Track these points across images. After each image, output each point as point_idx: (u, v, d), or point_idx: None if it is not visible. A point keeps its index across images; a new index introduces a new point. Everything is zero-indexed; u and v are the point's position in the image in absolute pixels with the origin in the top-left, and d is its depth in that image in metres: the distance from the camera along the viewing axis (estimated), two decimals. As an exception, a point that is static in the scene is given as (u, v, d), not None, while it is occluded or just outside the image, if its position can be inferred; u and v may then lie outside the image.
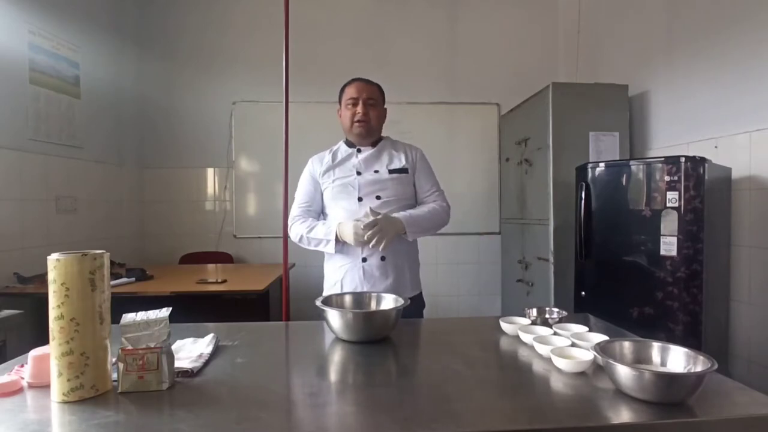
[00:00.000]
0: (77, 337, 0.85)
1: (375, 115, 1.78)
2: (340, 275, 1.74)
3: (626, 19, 3.03)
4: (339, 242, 1.68)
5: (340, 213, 1.74)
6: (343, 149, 1.84)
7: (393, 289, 1.64)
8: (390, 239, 1.61)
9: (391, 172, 1.76)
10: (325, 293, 1.76)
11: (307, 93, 3.30)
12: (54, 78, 2.66)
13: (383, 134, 1.87)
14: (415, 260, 1.84)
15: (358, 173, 1.76)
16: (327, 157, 1.83)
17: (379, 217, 1.60)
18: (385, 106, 1.85)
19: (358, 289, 1.69)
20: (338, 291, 1.71)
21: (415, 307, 1.67)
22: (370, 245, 1.59)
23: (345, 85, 1.82)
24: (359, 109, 1.74)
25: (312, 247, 1.75)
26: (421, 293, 1.84)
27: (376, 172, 1.76)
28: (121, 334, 0.90)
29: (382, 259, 1.71)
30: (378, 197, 1.73)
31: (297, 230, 1.76)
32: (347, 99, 1.77)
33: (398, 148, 1.84)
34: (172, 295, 2.19)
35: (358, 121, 1.74)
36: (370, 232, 1.57)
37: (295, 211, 1.82)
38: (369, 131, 1.78)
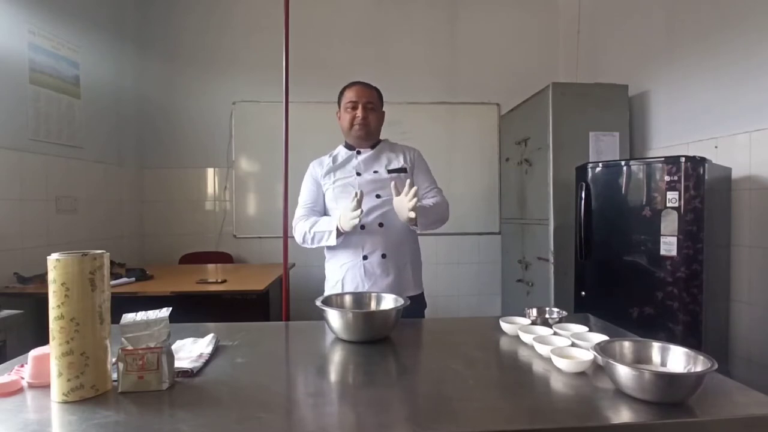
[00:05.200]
0: (77, 337, 0.85)
1: (374, 118, 1.80)
2: (342, 274, 1.75)
3: (626, 19, 3.02)
4: (341, 234, 1.67)
5: (341, 213, 1.75)
6: (342, 152, 1.86)
7: (394, 287, 1.65)
8: (405, 215, 1.58)
9: (390, 172, 1.78)
10: (327, 293, 1.76)
11: (307, 93, 3.30)
12: (54, 78, 2.66)
13: (382, 135, 1.89)
14: (417, 259, 1.85)
15: (358, 174, 1.77)
16: (327, 160, 1.85)
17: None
18: (383, 109, 1.87)
19: (360, 287, 1.70)
20: (339, 290, 1.72)
21: (416, 306, 1.67)
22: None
23: (344, 89, 1.83)
24: (359, 112, 1.76)
25: (315, 244, 1.74)
26: (422, 293, 1.84)
27: (376, 172, 1.78)
28: (121, 334, 0.90)
29: (383, 256, 1.71)
30: (378, 196, 1.74)
31: (301, 228, 1.75)
32: (347, 102, 1.79)
33: (396, 150, 1.86)
34: (172, 295, 2.19)
35: (358, 125, 1.77)
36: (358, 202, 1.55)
37: (299, 211, 1.82)
38: (368, 134, 1.80)
